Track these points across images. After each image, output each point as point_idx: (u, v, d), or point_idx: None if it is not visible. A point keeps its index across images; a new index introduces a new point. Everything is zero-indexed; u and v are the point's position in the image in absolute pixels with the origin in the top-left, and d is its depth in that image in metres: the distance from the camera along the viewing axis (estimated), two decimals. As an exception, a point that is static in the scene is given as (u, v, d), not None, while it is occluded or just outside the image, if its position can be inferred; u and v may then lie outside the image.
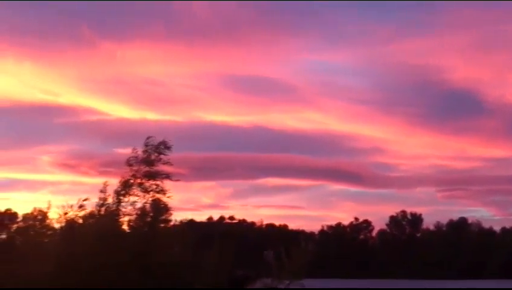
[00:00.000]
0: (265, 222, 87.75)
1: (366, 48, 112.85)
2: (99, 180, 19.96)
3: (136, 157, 19.93)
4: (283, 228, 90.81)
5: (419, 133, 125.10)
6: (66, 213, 20.29)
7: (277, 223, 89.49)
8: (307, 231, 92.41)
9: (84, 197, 20.32)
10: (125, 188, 19.57)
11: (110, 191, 19.74)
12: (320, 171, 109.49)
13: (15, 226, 35.52)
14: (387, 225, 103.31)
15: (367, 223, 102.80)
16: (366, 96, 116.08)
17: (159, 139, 20.09)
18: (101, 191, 19.36)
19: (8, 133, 73.17)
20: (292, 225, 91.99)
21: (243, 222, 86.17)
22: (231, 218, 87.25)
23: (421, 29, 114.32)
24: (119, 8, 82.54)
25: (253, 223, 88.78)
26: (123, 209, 19.47)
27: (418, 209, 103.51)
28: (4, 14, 74.50)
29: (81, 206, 20.08)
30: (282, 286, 19.65)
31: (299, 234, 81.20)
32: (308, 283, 19.80)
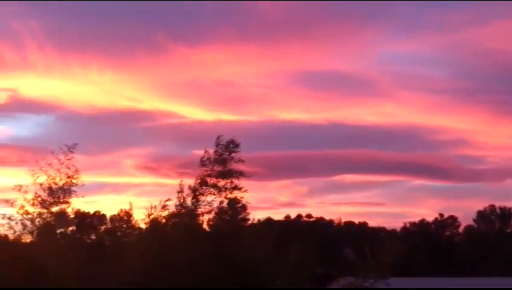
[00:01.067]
0: (343, 220, 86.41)
1: (443, 36, 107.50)
2: (178, 182, 20.46)
3: (209, 157, 20.23)
4: (362, 226, 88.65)
5: (507, 122, 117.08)
6: (150, 214, 20.92)
7: (356, 220, 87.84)
8: (388, 229, 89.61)
9: (165, 198, 20.90)
10: (201, 187, 19.91)
11: (187, 191, 20.22)
12: (401, 166, 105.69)
13: (103, 227, 37.57)
14: (474, 220, 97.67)
15: (453, 219, 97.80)
16: (445, 86, 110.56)
17: (228, 139, 20.29)
18: (179, 192, 19.83)
19: (94, 139, 77.62)
20: (372, 223, 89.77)
21: (320, 220, 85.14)
22: (309, 216, 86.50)
23: (502, 13, 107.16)
24: (189, 13, 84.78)
25: (331, 221, 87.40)
26: (201, 209, 19.80)
27: (508, 203, 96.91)
28: (87, 28, 79.03)
29: (164, 207, 20.63)
30: (366, 285, 19.04)
31: (379, 232, 79.04)
32: (393, 282, 19.07)
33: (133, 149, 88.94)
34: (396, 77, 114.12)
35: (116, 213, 34.68)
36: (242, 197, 20.32)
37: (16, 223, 20.30)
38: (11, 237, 21.97)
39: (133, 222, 26.08)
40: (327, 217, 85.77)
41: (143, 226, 24.13)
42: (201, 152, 20.68)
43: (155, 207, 20.77)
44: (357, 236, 65.11)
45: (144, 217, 22.00)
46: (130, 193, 64.45)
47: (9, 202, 20.03)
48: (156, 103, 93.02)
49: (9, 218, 20.08)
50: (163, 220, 21.86)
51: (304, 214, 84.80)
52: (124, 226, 27.52)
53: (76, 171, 20.95)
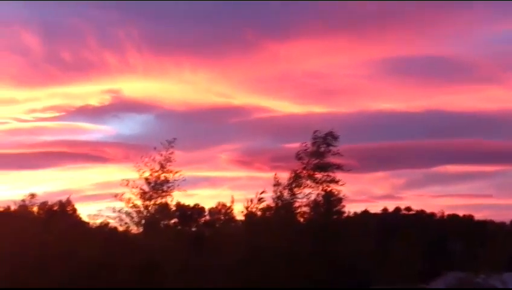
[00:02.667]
0: (446, 213, 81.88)
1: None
2: (271, 175, 20.41)
3: (306, 150, 19.92)
4: (468, 219, 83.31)
5: None
6: (247, 207, 21.08)
7: (460, 213, 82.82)
8: (496, 221, 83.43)
9: (259, 191, 20.93)
10: (296, 180, 19.69)
11: (282, 184, 20.08)
12: (509, 155, 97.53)
13: (202, 219, 38.88)
14: None
15: None
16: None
17: (326, 131, 19.80)
18: (275, 185, 19.75)
19: (190, 135, 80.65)
20: (478, 215, 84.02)
21: (421, 213, 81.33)
22: (408, 209, 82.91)
23: None
24: (277, 8, 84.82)
25: (433, 214, 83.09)
26: (297, 202, 19.60)
27: None
28: (180, 31, 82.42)
29: (260, 200, 20.66)
30: (479, 281, 17.70)
31: (486, 225, 73.81)
32: (509, 278, 17.53)
33: (227, 144, 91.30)
34: (503, 59, 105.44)
35: (214, 206, 35.83)
36: (339, 190, 19.81)
37: (125, 216, 21.35)
38: (120, 228, 23.38)
39: (231, 214, 26.65)
40: (428, 210, 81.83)
41: (240, 218, 24.54)
42: (292, 145, 20.49)
43: (251, 200, 20.85)
44: (462, 230, 61.27)
45: (241, 209, 22.26)
46: (226, 187, 66.16)
47: (118, 196, 21.16)
48: (248, 98, 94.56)
49: (119, 211, 21.18)
50: (259, 213, 21.95)
51: (402, 207, 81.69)
52: (222, 218, 28.29)
53: (176, 166, 21.68)
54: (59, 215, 26.99)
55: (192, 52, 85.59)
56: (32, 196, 25.48)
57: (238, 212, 23.28)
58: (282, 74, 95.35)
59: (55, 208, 28.46)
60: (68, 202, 28.09)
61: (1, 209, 32.54)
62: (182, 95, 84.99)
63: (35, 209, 26.50)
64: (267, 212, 21.48)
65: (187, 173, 22.49)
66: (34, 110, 72.06)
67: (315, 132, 19.98)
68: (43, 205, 28.09)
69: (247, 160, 73.96)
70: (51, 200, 30.02)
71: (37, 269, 19.55)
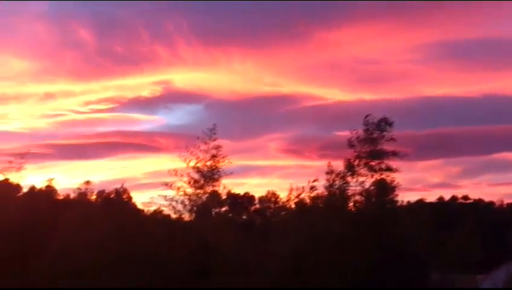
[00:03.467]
0: (506, 201, 78.46)
1: None
2: (321, 163, 20.18)
3: (357, 137, 19.51)
4: (529, 208, 79.44)
5: None
6: (299, 195, 20.94)
7: (520, 201, 79.09)
8: (560, 211, 79.16)
9: (309, 179, 20.75)
10: (350, 169, 19.37)
11: (335, 172, 19.83)
12: None
13: (253, 208, 39.19)
14: None
15: None
16: None
17: (378, 117, 19.31)
18: (327, 173, 19.52)
19: (240, 125, 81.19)
20: (542, 204, 79.91)
21: (478, 202, 78.35)
22: (465, 198, 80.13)
23: None
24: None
25: (491, 203, 79.84)
26: (350, 190, 19.30)
27: None
28: (228, 22, 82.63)
29: (312, 188, 20.45)
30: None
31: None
32: None
33: (276, 133, 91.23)
34: None
35: (264, 194, 36.01)
36: (393, 178, 19.32)
37: (177, 204, 21.83)
38: (173, 216, 23.95)
39: (281, 202, 26.64)
40: (486, 199, 78.76)
41: (291, 206, 24.45)
42: (343, 133, 20.11)
43: (303, 188, 20.70)
44: (523, 219, 58.53)
45: (292, 197, 22.17)
46: (275, 175, 66.22)
47: (168, 185, 21.63)
48: (297, 86, 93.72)
49: (171, 199, 21.67)
50: (309, 201, 21.82)
51: (458, 196, 78.98)
52: (272, 206, 28.36)
53: (223, 153, 21.90)
54: (116, 203, 27.98)
55: (241, 42, 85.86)
56: (87, 183, 26.52)
57: (289, 200, 23.22)
58: (331, 61, 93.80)
59: (112, 196, 29.53)
60: (124, 190, 29.08)
61: (61, 197, 34.13)
62: (231, 85, 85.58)
63: (93, 197, 27.61)
64: (318, 201, 21.33)
65: (237, 162, 22.71)
66: (89, 103, 74.89)
67: (366, 116, 19.49)
68: (101, 193, 29.22)
69: (296, 148, 73.65)
70: (108, 189, 31.24)
71: (101, 254, 20.38)
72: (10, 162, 23.74)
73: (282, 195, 24.81)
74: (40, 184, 31.19)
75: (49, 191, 30.71)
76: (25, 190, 28.47)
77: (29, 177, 27.00)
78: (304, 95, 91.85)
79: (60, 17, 76.87)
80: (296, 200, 21.83)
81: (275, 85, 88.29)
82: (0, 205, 23.66)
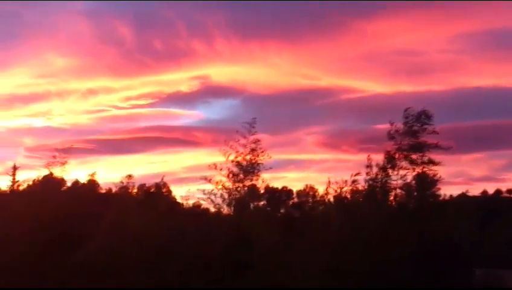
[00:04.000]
0: (555, 195, 75.32)
1: None
2: (359, 157, 19.87)
3: (398, 130, 19.13)
4: None
5: None
6: (341, 188, 20.66)
7: None
8: None
9: (352, 173, 20.43)
10: (390, 162, 19.00)
11: (375, 166, 19.52)
12: None
13: (291, 202, 39.15)
14: None
15: None
16: None
17: (418, 110, 18.90)
18: (367, 167, 19.21)
19: (276, 119, 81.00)
20: None
21: (524, 196, 75.58)
22: (509, 191, 77.57)
23: None
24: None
25: (537, 197, 76.95)
26: (391, 183, 18.94)
27: None
28: (264, 14, 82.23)
29: (354, 182, 20.15)
30: None
31: None
32: None
33: (314, 126, 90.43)
34: None
35: (302, 188, 35.90)
36: (436, 172, 18.86)
37: (216, 197, 22.01)
38: (212, 210, 24.18)
39: (319, 196, 26.48)
40: (532, 192, 75.89)
41: (329, 200, 24.23)
42: (381, 126, 19.73)
43: (345, 182, 20.41)
44: None
45: (331, 191, 21.95)
46: (313, 169, 65.77)
47: (208, 179, 21.82)
48: (334, 79, 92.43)
49: (210, 193, 21.86)
50: (349, 195, 21.54)
51: (503, 189, 76.43)
52: (311, 200, 28.25)
53: (262, 147, 21.91)
54: (156, 197, 28.50)
55: (278, 35, 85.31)
56: (129, 177, 27.03)
57: (328, 194, 23.00)
58: (369, 53, 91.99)
59: (152, 189, 30.07)
60: (164, 184, 29.54)
61: (104, 190, 35.02)
62: (267, 79, 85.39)
63: (134, 190, 28.16)
64: (357, 195, 21.05)
65: (274, 156, 22.65)
66: (129, 98, 76.51)
67: (406, 109, 19.12)
68: (141, 187, 29.79)
69: (334, 142, 72.89)
70: (148, 183, 31.84)
71: (141, 247, 20.81)
72: (54, 157, 24.51)
73: (320, 189, 24.62)
74: (83, 178, 32.12)
75: (92, 184, 31.54)
76: (68, 184, 29.37)
77: (73, 172, 27.80)
78: (341, 87, 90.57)
79: (100, 14, 78.68)
80: (335, 193, 21.60)
81: (312, 78, 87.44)
82: (45, 198, 24.44)
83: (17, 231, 22.55)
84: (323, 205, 26.97)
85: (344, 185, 20.36)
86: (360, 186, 20.29)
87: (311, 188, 28.02)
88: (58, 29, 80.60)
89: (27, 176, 28.52)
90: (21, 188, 28.15)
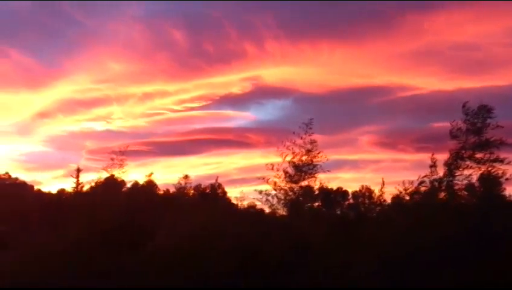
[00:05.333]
0: None
1: None
2: (417, 157, 19.26)
3: (459, 128, 18.42)
4: None
5: None
6: (405, 189, 20.06)
7: None
8: None
9: (405, 173, 19.93)
10: (454, 161, 18.33)
11: (439, 166, 18.89)
12: None
13: (346, 203, 38.62)
14: None
15: None
16: None
17: (476, 105, 18.15)
18: (431, 166, 18.59)
19: (329, 119, 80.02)
20: None
21: None
22: None
23: None
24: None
25: None
26: (455, 183, 18.27)
27: None
28: (314, 12, 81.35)
29: (421, 183, 19.40)
30: None
31: None
32: None
33: (369, 126, 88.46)
34: None
35: (357, 189, 35.38)
36: (504, 170, 18.01)
37: (272, 198, 22.06)
38: (267, 210, 24.25)
39: (376, 197, 25.94)
40: None
41: (385, 201, 23.74)
42: (441, 124, 19.01)
43: (411, 183, 19.79)
44: None
45: (390, 192, 21.49)
46: (368, 170, 64.55)
47: (264, 179, 21.90)
48: (389, 76, 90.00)
49: (266, 193, 21.96)
50: (407, 196, 20.96)
51: None
52: (367, 201, 27.77)
53: (317, 148, 21.79)
54: (211, 198, 28.96)
55: (329, 32, 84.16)
56: (186, 177, 27.61)
57: (386, 195, 22.54)
58: (426, 48, 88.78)
59: (208, 190, 30.56)
60: (218, 185, 29.96)
61: (161, 192, 35.92)
62: (319, 78, 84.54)
63: (191, 191, 28.75)
64: (416, 196, 20.46)
65: (329, 156, 22.43)
66: (183, 101, 78.25)
67: (464, 105, 18.37)
68: (197, 188, 30.34)
69: (390, 142, 71.10)
70: (203, 184, 32.41)
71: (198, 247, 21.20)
72: (112, 159, 25.41)
73: (377, 190, 24.14)
74: (142, 180, 33.11)
75: (150, 185, 32.43)
76: (128, 185, 30.35)
77: (132, 174, 28.73)
78: (397, 85, 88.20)
79: (154, 19, 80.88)
80: (395, 194, 21.12)
81: (366, 76, 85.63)
82: (107, 199, 25.37)
83: (81, 231, 23.51)
84: (380, 206, 26.45)
85: (409, 186, 19.68)
86: (416, 187, 19.67)
87: (367, 188, 27.60)
88: (115, 36, 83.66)
89: (89, 178, 29.76)
90: (84, 189, 29.36)
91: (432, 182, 18.58)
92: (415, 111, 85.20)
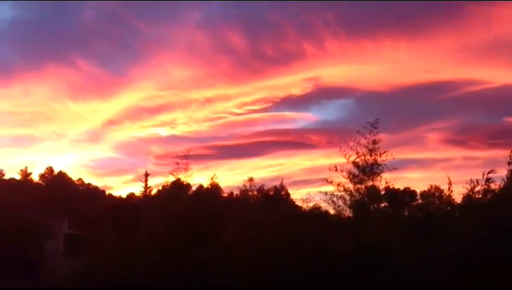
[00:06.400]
0: None
1: None
2: (489, 153, 18.36)
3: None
4: None
5: None
6: (472, 189, 19.31)
7: None
8: None
9: (477, 171, 19.06)
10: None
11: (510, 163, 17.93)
12: None
13: (414, 203, 37.39)
14: None
15: None
16: None
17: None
18: (509, 163, 17.70)
19: (394, 117, 77.99)
20: None
21: None
22: None
23: None
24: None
25: None
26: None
27: None
28: (375, 8, 79.29)
29: (488, 180, 18.68)
30: None
31: None
32: None
33: (436, 123, 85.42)
34: None
35: (426, 189, 34.16)
36: None
37: (336, 200, 21.85)
38: (332, 212, 24.02)
39: (446, 197, 24.96)
40: None
41: (455, 201, 22.82)
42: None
43: (477, 181, 19.05)
44: None
45: (458, 191, 20.65)
46: (438, 168, 62.40)
47: (328, 181, 21.72)
48: (456, 71, 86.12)
49: (331, 195, 21.79)
50: (480, 195, 20.04)
51: None
52: (436, 202, 26.66)
53: (382, 147, 21.36)
54: (276, 199, 29.07)
55: (390, 27, 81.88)
56: (251, 180, 27.83)
57: (456, 194, 21.64)
58: (495, 40, 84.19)
59: (271, 193, 30.70)
60: (282, 187, 30.01)
61: (225, 195, 36.51)
62: (382, 75, 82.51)
63: (254, 194, 28.97)
64: (488, 195, 19.53)
65: (395, 155, 21.95)
66: (245, 104, 79.47)
67: None
68: (261, 190, 30.54)
69: (460, 138, 68.22)
70: (266, 186, 32.59)
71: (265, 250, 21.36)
72: (177, 163, 26.15)
73: (446, 189, 23.24)
74: (206, 183, 33.78)
75: (215, 188, 33.01)
76: (193, 188, 31.07)
77: (197, 177, 29.45)
78: (465, 79, 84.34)
79: (214, 24, 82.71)
80: (465, 194, 20.24)
81: (431, 71, 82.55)
82: (175, 203, 26.13)
83: (151, 234, 24.37)
84: (449, 206, 25.46)
85: (476, 184, 18.94)
86: (493, 185, 18.80)
87: (437, 188, 26.54)
88: (177, 42, 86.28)
89: (156, 182, 30.82)
90: (152, 193, 30.45)
91: (509, 178, 17.67)
92: (486, 106, 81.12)
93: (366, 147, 21.52)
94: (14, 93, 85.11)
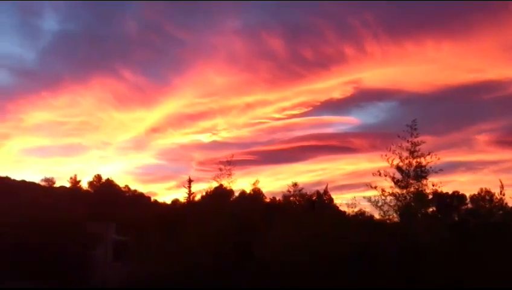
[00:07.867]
0: None
1: None
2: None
3: None
4: None
5: None
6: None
7: None
8: None
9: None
10: None
11: None
12: None
13: (464, 207, 36.08)
14: None
15: None
16: None
17: None
18: None
19: (439, 118, 75.62)
20: None
21: None
22: None
23: None
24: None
25: None
26: None
27: None
28: (417, 8, 77.24)
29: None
30: None
31: None
32: None
33: (484, 124, 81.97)
34: None
35: (476, 192, 32.98)
36: None
37: (382, 205, 21.33)
38: (377, 217, 23.51)
39: (497, 201, 24.03)
40: None
41: (506, 204, 21.90)
42: None
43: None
44: None
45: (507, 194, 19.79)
46: (487, 171, 60.08)
47: (372, 186, 21.28)
48: (503, 69, 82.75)
49: (374, 200, 21.30)
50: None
51: None
52: (487, 205, 25.68)
53: (427, 149, 20.75)
54: (319, 205, 28.74)
55: (433, 26, 79.48)
56: (295, 185, 27.63)
57: (508, 198, 20.77)
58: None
59: (314, 198, 30.38)
60: (325, 192, 29.66)
61: (268, 200, 36.45)
62: (425, 76, 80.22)
63: (297, 199, 28.77)
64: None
65: (441, 158, 21.28)
66: (284, 109, 79.07)
67: None
68: (303, 195, 30.29)
69: (510, 140, 65.32)
70: (309, 191, 32.29)
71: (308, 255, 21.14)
72: (220, 169, 26.25)
73: (498, 192, 22.31)
74: (248, 188, 33.84)
75: (257, 194, 33.03)
76: (236, 194, 31.20)
77: (239, 183, 29.49)
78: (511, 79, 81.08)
79: (252, 30, 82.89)
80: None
81: (476, 71, 79.60)
82: (218, 209, 26.26)
83: (196, 239, 24.54)
84: (501, 210, 24.48)
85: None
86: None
87: (487, 191, 25.51)
88: (216, 50, 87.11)
89: (200, 188, 31.10)
90: (196, 199, 30.75)
91: None
92: (536, 105, 77.40)
93: (408, 149, 21.00)
94: (62, 104, 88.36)
